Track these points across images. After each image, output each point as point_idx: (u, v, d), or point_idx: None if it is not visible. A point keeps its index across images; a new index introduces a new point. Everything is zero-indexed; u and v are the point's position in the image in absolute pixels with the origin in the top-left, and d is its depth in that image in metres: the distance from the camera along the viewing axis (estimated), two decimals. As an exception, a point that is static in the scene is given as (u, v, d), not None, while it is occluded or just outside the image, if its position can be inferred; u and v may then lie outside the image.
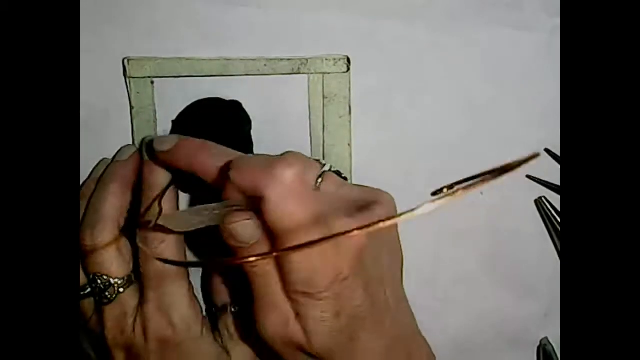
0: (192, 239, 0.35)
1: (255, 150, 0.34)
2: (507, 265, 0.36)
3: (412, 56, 0.33)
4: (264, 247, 0.27)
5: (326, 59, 0.33)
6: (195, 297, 0.32)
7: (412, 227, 0.32)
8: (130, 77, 0.33)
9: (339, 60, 0.33)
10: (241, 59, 0.33)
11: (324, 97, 0.34)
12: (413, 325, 0.31)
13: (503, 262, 0.36)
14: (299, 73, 0.33)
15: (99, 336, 0.32)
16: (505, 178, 0.22)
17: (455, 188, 0.26)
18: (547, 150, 0.35)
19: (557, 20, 0.32)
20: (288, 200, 0.26)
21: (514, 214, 0.35)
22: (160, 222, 0.29)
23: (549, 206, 0.35)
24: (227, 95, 0.33)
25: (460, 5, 0.33)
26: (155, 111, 0.34)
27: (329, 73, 0.33)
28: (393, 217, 0.19)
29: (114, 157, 0.33)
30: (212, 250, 0.35)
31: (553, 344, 0.37)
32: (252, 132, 0.33)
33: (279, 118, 0.33)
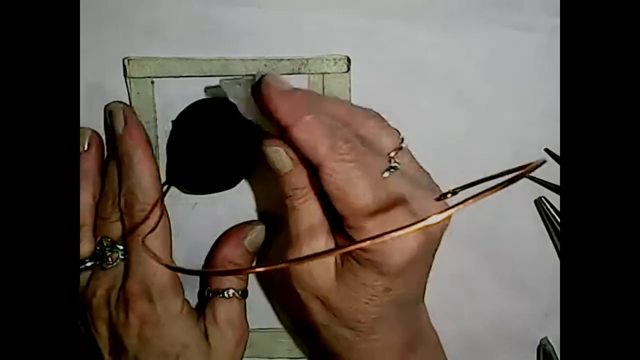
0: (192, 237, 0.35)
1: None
2: (507, 265, 0.36)
3: (412, 56, 0.33)
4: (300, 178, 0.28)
5: (326, 59, 0.33)
6: (180, 281, 0.32)
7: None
8: (130, 77, 0.33)
9: (339, 60, 0.33)
10: (241, 59, 0.33)
11: (324, 97, 0.33)
12: (426, 315, 0.33)
13: (503, 262, 0.36)
14: (299, 73, 0.33)
15: (84, 308, 0.32)
16: (505, 178, 0.22)
17: (460, 195, 0.26)
18: (547, 150, 0.35)
19: (557, 20, 0.32)
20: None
21: (514, 214, 0.35)
22: None
23: (549, 206, 0.35)
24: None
25: (460, 5, 0.33)
26: (155, 111, 0.34)
27: (329, 73, 0.33)
28: (400, 228, 0.19)
29: (109, 117, 0.33)
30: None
31: (553, 344, 0.37)
32: (253, 133, 0.33)
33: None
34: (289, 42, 0.33)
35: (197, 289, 0.36)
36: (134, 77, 0.33)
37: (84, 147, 0.33)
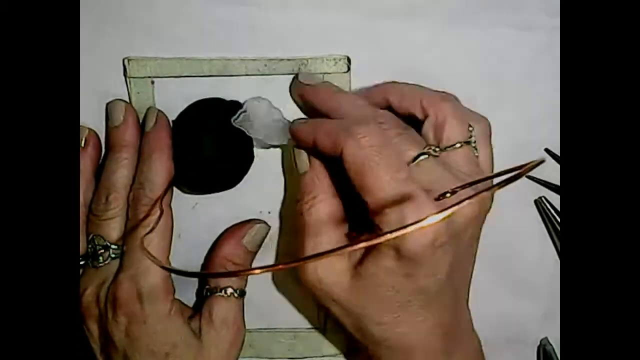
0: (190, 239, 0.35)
1: (255, 151, 0.34)
2: (507, 265, 0.36)
3: (412, 56, 0.33)
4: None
5: (326, 59, 0.33)
6: (171, 280, 0.32)
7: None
8: (130, 77, 0.33)
9: (339, 60, 0.33)
10: (241, 59, 0.33)
11: (324, 97, 0.33)
12: (467, 318, 0.32)
13: (503, 262, 0.36)
14: (299, 73, 0.33)
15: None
16: (503, 178, 0.22)
17: (460, 195, 0.26)
18: (547, 150, 0.35)
19: (557, 21, 0.32)
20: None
21: (514, 214, 0.35)
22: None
23: (549, 206, 0.35)
24: (228, 95, 0.33)
25: (460, 5, 0.33)
26: (155, 111, 0.34)
27: (329, 73, 0.33)
28: (399, 229, 0.19)
29: (106, 114, 0.33)
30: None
31: (553, 344, 0.37)
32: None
33: (279, 118, 0.33)
34: (289, 42, 0.33)
35: (196, 287, 0.36)
36: (134, 77, 0.33)
37: (80, 144, 0.33)
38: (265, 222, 0.34)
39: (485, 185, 0.29)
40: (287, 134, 0.32)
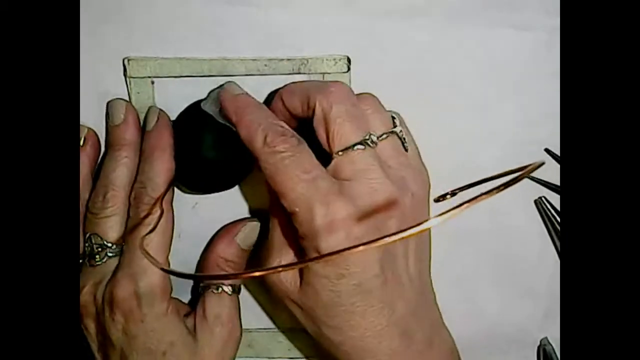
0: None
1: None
2: (506, 265, 0.36)
3: (412, 56, 0.33)
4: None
5: (326, 59, 0.33)
6: (169, 278, 0.32)
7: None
8: (130, 77, 0.33)
9: (339, 60, 0.33)
10: (241, 59, 0.33)
11: (324, 97, 0.33)
12: (434, 315, 0.32)
13: (503, 262, 0.36)
14: (299, 73, 0.33)
15: None
16: (503, 180, 0.22)
17: (460, 196, 0.26)
18: (547, 150, 0.35)
19: (557, 20, 0.32)
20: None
21: (514, 214, 0.35)
22: None
23: (549, 206, 0.35)
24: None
25: (461, 5, 0.33)
26: (155, 111, 0.34)
27: (329, 73, 0.33)
28: (401, 231, 0.19)
29: (106, 113, 0.33)
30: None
31: (553, 344, 0.37)
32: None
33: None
34: (289, 42, 0.33)
35: (191, 284, 0.36)
36: (134, 77, 0.33)
37: (79, 143, 0.33)
38: (257, 220, 0.34)
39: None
40: None
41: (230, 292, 0.33)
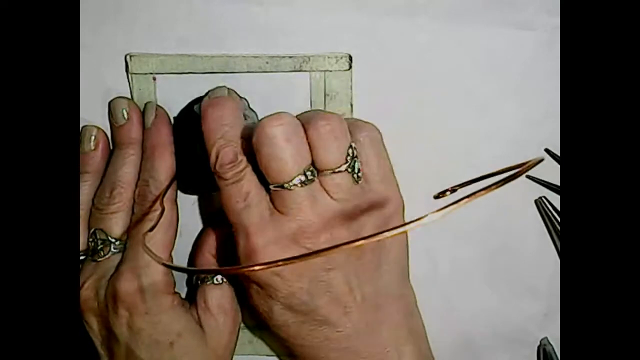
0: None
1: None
2: (506, 265, 0.36)
3: (414, 54, 0.33)
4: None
5: (328, 57, 0.33)
6: (172, 273, 0.32)
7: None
8: (132, 73, 0.33)
9: (341, 58, 0.33)
10: (243, 56, 0.33)
11: (325, 95, 0.34)
12: (391, 333, 0.31)
13: (503, 262, 0.36)
14: (301, 71, 0.33)
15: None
16: (503, 177, 0.22)
17: (460, 193, 0.26)
18: (547, 150, 0.35)
19: (557, 20, 0.32)
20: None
21: (514, 213, 0.35)
22: None
23: (549, 206, 0.35)
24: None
25: (461, 4, 0.33)
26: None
27: (330, 71, 0.33)
28: (398, 226, 0.19)
29: (109, 112, 0.33)
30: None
31: (553, 344, 0.37)
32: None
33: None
34: (291, 39, 0.33)
35: (184, 277, 0.36)
36: (135, 73, 0.33)
37: (91, 146, 0.33)
38: None
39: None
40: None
41: (228, 281, 0.33)
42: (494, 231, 0.36)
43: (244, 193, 0.29)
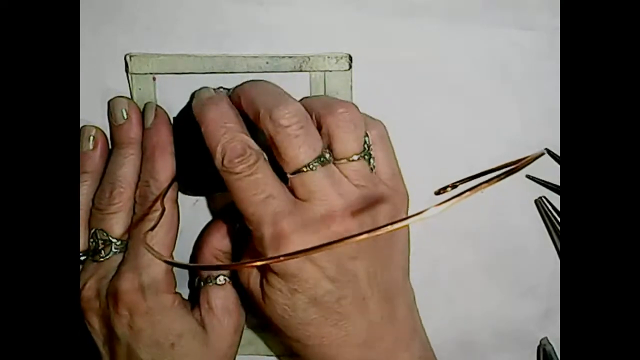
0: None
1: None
2: (506, 265, 0.36)
3: (414, 55, 0.33)
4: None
5: (328, 57, 0.33)
6: (173, 273, 0.32)
7: (411, 226, 0.32)
8: (132, 73, 0.33)
9: (341, 58, 0.33)
10: (243, 56, 0.33)
11: (325, 95, 0.34)
12: (403, 325, 0.31)
13: (503, 262, 0.36)
14: (301, 71, 0.33)
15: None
16: (504, 170, 0.22)
17: (460, 189, 0.26)
18: (547, 150, 0.35)
19: (557, 20, 0.32)
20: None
21: (514, 213, 0.35)
22: None
23: (549, 206, 0.35)
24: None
25: (462, 4, 0.33)
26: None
27: (330, 71, 0.33)
28: (398, 220, 0.19)
29: (109, 112, 0.33)
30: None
31: (553, 344, 0.37)
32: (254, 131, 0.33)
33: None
34: (291, 39, 0.33)
35: (187, 279, 0.36)
36: (135, 74, 0.33)
37: (89, 145, 0.33)
38: None
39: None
40: None
41: (231, 281, 0.33)
42: (494, 231, 0.36)
43: (262, 184, 0.28)
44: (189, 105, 0.33)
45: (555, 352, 0.37)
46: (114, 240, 0.32)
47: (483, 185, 0.20)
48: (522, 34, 0.33)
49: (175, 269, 0.33)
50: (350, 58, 0.33)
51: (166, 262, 0.30)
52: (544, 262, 0.36)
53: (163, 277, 0.31)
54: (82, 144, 0.33)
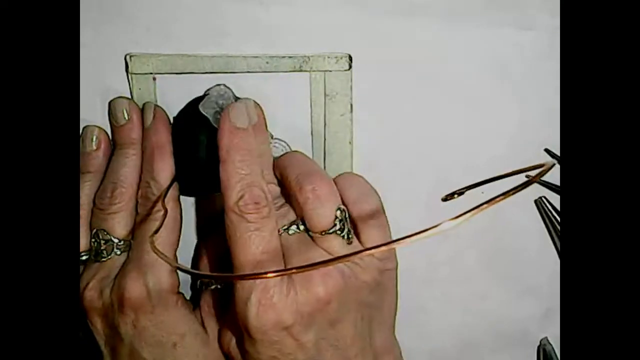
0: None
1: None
2: (506, 265, 0.36)
3: (414, 55, 0.33)
4: None
5: (328, 57, 0.33)
6: (177, 273, 0.32)
7: (411, 226, 0.32)
8: (132, 73, 0.33)
9: (341, 58, 0.33)
10: (243, 56, 0.33)
11: (325, 95, 0.34)
12: None
13: (503, 262, 0.36)
14: (301, 71, 0.33)
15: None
16: (511, 179, 0.22)
17: (467, 195, 0.26)
18: (547, 150, 0.35)
19: (557, 20, 0.32)
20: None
21: (514, 213, 0.35)
22: None
23: (549, 206, 0.35)
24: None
25: (461, 4, 0.33)
26: (156, 108, 0.34)
27: (330, 71, 0.33)
28: (415, 233, 0.19)
29: (110, 112, 0.33)
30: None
31: (553, 344, 0.37)
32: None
33: (280, 116, 0.33)
34: (291, 39, 0.33)
35: (188, 281, 0.36)
36: (135, 73, 0.33)
37: (92, 145, 0.33)
38: None
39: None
40: None
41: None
42: (494, 231, 0.36)
43: (264, 245, 0.29)
44: (188, 106, 0.33)
45: (555, 352, 0.37)
46: (116, 241, 0.32)
47: (499, 199, 0.20)
48: (522, 34, 0.33)
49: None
50: (350, 58, 0.33)
51: (178, 268, 0.30)
52: (544, 262, 0.36)
53: (167, 277, 0.31)
54: (84, 144, 0.33)
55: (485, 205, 0.19)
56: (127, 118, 0.32)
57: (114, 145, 0.33)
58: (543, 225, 0.36)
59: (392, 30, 0.33)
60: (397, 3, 0.33)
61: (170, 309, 0.31)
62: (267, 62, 0.33)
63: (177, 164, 0.32)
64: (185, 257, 0.35)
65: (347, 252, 0.30)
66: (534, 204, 0.36)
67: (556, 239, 0.36)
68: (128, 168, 0.32)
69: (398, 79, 0.34)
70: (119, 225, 0.32)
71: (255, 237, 0.28)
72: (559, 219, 0.35)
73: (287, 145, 0.33)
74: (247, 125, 0.30)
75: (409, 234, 0.19)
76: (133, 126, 0.32)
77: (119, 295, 0.30)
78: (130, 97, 0.33)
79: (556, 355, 0.36)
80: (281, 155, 0.32)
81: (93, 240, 0.32)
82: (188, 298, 0.35)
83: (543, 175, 0.22)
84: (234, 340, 0.31)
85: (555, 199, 0.35)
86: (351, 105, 0.34)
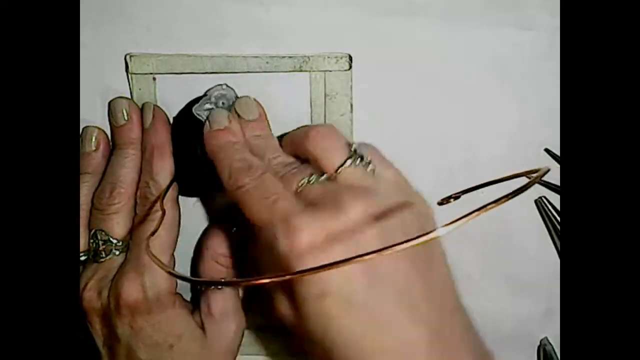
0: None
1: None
2: (506, 265, 0.36)
3: (414, 55, 0.33)
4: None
5: (328, 57, 0.33)
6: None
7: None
8: (132, 73, 0.33)
9: (341, 58, 0.33)
10: (243, 56, 0.33)
11: (325, 95, 0.34)
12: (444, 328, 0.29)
13: (503, 262, 0.36)
14: (301, 71, 0.33)
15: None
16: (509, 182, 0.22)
17: (463, 199, 0.26)
18: (547, 150, 0.35)
19: (557, 20, 0.32)
20: None
21: (514, 213, 0.35)
22: None
23: (549, 206, 0.35)
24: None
25: (462, 4, 0.33)
26: (156, 107, 0.34)
27: (330, 71, 0.33)
28: (410, 239, 0.19)
29: (109, 112, 0.33)
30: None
31: (553, 344, 0.37)
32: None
33: (280, 116, 0.33)
34: (291, 39, 0.33)
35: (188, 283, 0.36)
36: (135, 74, 0.33)
37: (92, 146, 0.33)
38: None
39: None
40: None
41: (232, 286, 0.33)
42: (493, 231, 0.36)
43: (267, 190, 0.28)
44: (188, 106, 0.33)
45: (555, 352, 0.37)
46: (114, 241, 0.32)
47: (492, 206, 0.20)
48: (522, 34, 0.33)
49: (176, 269, 0.33)
50: (350, 58, 0.33)
51: (170, 273, 0.29)
52: (544, 262, 0.36)
53: (165, 278, 0.31)
54: (84, 144, 0.33)
55: (476, 213, 0.20)
56: (126, 118, 0.32)
57: (114, 146, 0.33)
58: (543, 225, 0.36)
59: (392, 30, 0.33)
60: (397, 3, 0.33)
61: (167, 310, 0.31)
62: (267, 62, 0.33)
63: (176, 164, 0.32)
64: (185, 257, 0.35)
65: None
66: (534, 204, 0.36)
67: (556, 238, 0.36)
68: (127, 168, 0.32)
69: (398, 79, 0.34)
70: (117, 226, 0.32)
71: (251, 192, 0.28)
72: (559, 219, 0.35)
73: (234, 91, 0.33)
74: (226, 124, 0.31)
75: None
76: (132, 126, 0.32)
77: (116, 296, 0.30)
78: (130, 97, 0.33)
79: (556, 355, 0.36)
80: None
81: (92, 240, 0.32)
82: (188, 299, 0.35)
83: (536, 182, 0.21)
84: (284, 300, 0.28)
85: (555, 199, 0.35)
86: (351, 105, 0.34)
